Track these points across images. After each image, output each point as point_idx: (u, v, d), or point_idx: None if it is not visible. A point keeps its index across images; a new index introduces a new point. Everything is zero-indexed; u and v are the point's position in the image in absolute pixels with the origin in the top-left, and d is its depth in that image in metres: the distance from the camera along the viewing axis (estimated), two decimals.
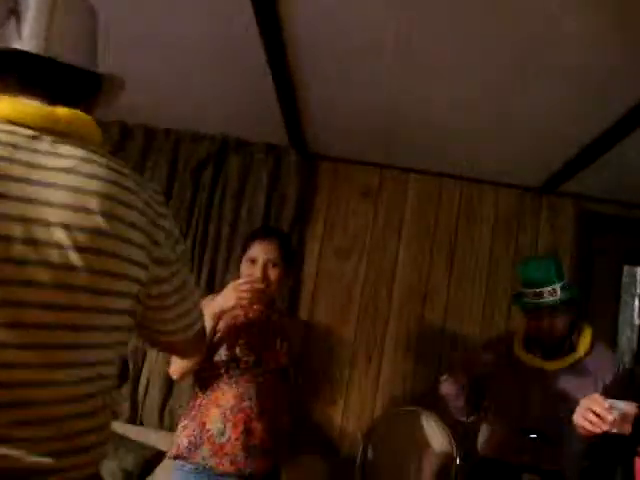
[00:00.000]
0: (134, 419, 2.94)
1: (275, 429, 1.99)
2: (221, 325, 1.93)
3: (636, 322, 3.15)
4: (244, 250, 2.05)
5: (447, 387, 2.30)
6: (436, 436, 2.77)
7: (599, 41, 1.79)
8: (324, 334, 3.04)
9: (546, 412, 2.10)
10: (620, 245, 3.21)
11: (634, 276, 3.25)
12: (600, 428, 1.32)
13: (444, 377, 2.32)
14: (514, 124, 2.47)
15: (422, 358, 3.01)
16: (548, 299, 2.13)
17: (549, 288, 2.14)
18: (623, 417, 1.31)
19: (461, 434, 2.66)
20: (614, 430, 1.31)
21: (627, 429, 1.31)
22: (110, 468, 2.69)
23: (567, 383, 2.13)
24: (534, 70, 2.02)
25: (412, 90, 2.29)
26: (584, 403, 1.38)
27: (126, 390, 2.93)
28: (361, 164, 3.16)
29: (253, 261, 1.98)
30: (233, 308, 1.86)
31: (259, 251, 1.99)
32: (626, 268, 3.23)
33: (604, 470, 1.44)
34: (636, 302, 3.19)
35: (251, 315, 2.02)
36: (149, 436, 2.84)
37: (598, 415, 1.33)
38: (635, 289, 3.25)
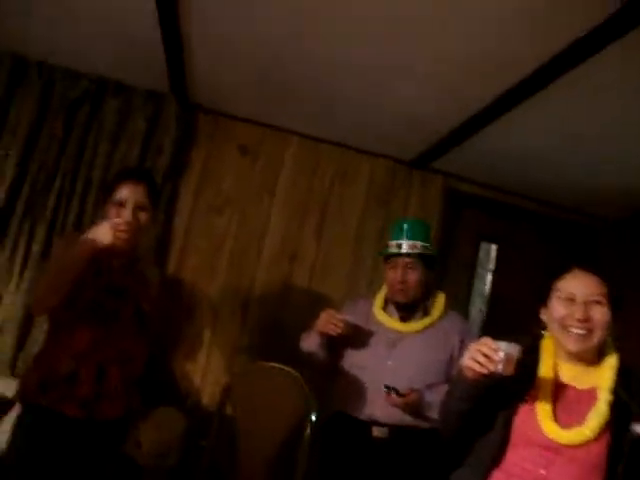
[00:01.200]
0: None
1: (129, 376, 2.01)
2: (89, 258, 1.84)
3: (486, 294, 3.46)
4: (110, 192, 1.99)
5: (307, 345, 2.46)
6: (292, 392, 2.88)
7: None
8: (190, 289, 3.08)
9: (400, 372, 2.30)
10: (480, 223, 3.50)
11: (488, 252, 3.55)
12: (488, 368, 1.43)
13: (304, 334, 2.46)
14: (393, 97, 2.60)
15: (287, 318, 3.14)
16: (407, 250, 2.38)
17: (411, 242, 2.37)
18: (508, 358, 1.43)
19: (317, 390, 2.79)
20: (499, 369, 1.42)
21: (510, 370, 1.44)
22: None
23: (422, 344, 2.36)
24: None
25: (301, 45, 2.32)
26: (473, 346, 1.48)
27: None
28: (242, 120, 3.21)
29: (121, 204, 1.95)
30: (106, 246, 1.78)
31: (128, 194, 1.95)
32: (483, 244, 3.53)
33: (486, 416, 1.58)
34: (489, 276, 3.50)
35: (115, 258, 1.98)
36: None
37: (486, 356, 1.44)
38: (488, 264, 3.55)
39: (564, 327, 1.55)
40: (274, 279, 3.18)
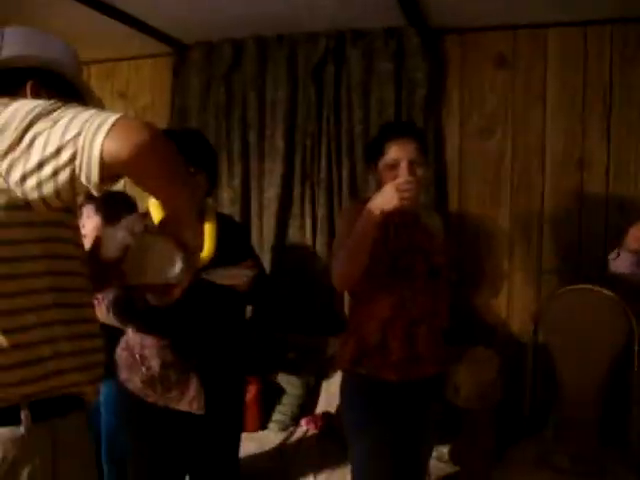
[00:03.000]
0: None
1: (437, 331, 2.06)
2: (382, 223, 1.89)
3: None
4: (379, 154, 1.98)
5: (619, 265, 2.22)
6: (612, 314, 2.69)
7: None
8: (477, 222, 3.04)
9: None
10: None
11: None
12: None
13: (613, 255, 2.24)
14: None
15: (586, 232, 2.93)
16: None
17: None
18: None
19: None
20: None
21: None
22: (290, 376, 2.98)
23: None
24: None
25: None
26: None
27: None
28: (490, 30, 3.01)
29: (394, 166, 1.93)
30: (394, 209, 1.79)
31: (399, 153, 1.92)
32: None
33: None
34: None
35: (400, 218, 2.00)
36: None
37: None
38: None
39: None
40: (564, 193, 2.96)
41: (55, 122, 0.97)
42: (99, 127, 0.95)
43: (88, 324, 1.22)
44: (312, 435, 2.84)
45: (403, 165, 1.91)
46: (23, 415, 1.05)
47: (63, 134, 0.96)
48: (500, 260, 3.03)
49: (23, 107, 1.00)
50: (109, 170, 0.97)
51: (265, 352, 3.01)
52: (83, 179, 0.97)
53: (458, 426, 2.73)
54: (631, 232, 2.11)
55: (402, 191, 1.76)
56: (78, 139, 0.95)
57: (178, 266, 1.14)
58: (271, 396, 2.94)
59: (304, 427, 2.90)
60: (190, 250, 1.16)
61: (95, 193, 1.01)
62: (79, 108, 1.01)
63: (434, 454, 2.60)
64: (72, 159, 0.96)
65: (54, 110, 0.99)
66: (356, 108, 3.08)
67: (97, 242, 1.46)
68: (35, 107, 0.99)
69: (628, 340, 2.63)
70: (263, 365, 2.97)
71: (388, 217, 1.86)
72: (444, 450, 2.68)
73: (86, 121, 0.96)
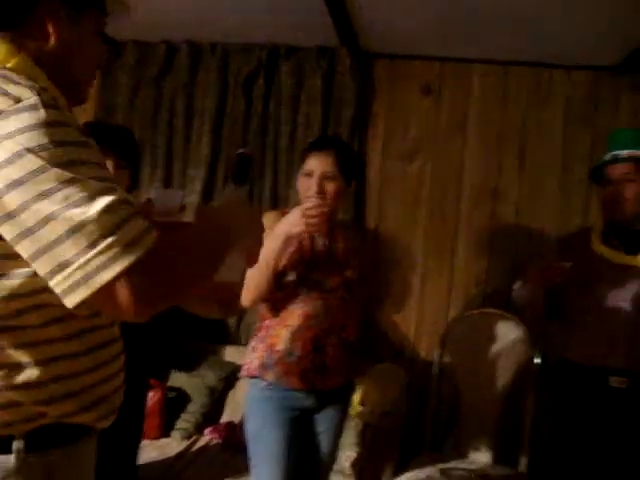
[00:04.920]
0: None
1: (345, 344, 2.13)
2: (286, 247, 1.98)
3: None
4: (301, 162, 2.09)
5: (523, 298, 2.38)
6: (513, 337, 2.86)
7: None
8: (393, 241, 3.17)
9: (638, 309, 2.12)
10: None
11: None
12: None
13: (517, 285, 2.38)
14: None
15: (495, 258, 3.13)
16: (624, 156, 2.17)
17: (630, 151, 2.16)
18: None
19: (539, 334, 2.73)
20: None
21: None
22: (196, 384, 2.97)
23: None
24: None
25: None
26: None
27: None
28: (420, 59, 3.20)
29: (309, 174, 1.99)
30: (299, 234, 1.90)
31: (315, 164, 1.99)
32: None
33: None
34: None
35: (317, 233, 2.06)
36: (227, 352, 3.15)
37: None
38: None
39: None
40: (478, 220, 3.16)
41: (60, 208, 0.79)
42: (110, 265, 0.79)
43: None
44: (215, 445, 2.84)
45: (314, 177, 1.99)
46: (15, 445, 0.94)
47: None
48: (412, 281, 3.17)
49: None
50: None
51: (162, 356, 2.99)
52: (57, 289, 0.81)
53: (362, 440, 2.80)
54: (531, 272, 2.26)
55: (309, 216, 1.83)
56: (67, 267, 0.79)
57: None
58: (176, 403, 2.93)
59: (207, 436, 2.90)
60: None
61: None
62: (88, 187, 0.81)
63: (335, 467, 2.65)
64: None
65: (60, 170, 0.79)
66: (283, 122, 3.17)
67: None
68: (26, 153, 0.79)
69: (527, 363, 2.80)
70: (160, 369, 2.96)
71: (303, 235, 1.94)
72: (346, 464, 2.73)
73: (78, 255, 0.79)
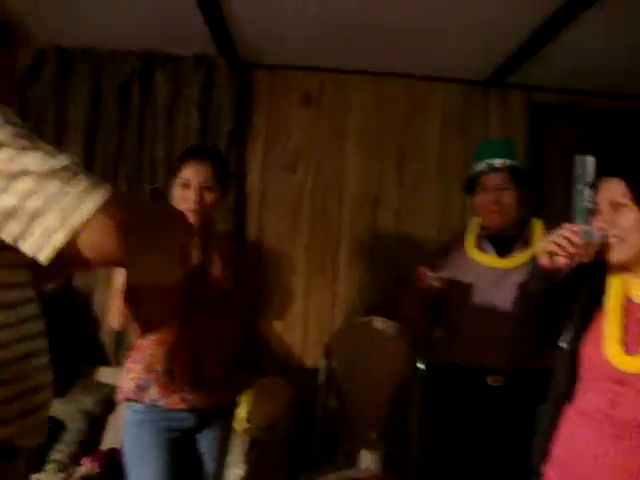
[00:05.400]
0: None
1: (226, 360, 2.08)
2: None
3: (587, 207, 3.32)
4: (175, 172, 2.00)
5: (405, 309, 2.45)
6: (396, 344, 2.91)
7: None
8: (275, 251, 3.15)
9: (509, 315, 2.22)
10: (570, 135, 3.34)
11: (585, 165, 3.40)
12: (567, 250, 1.44)
13: (400, 294, 2.45)
14: (455, 13, 2.51)
15: (377, 266, 3.18)
16: (499, 166, 2.28)
17: (502, 159, 2.26)
18: (589, 242, 1.45)
19: (421, 342, 2.80)
20: (579, 251, 1.44)
21: (590, 254, 1.46)
22: (69, 410, 2.78)
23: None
24: None
25: None
26: (555, 231, 1.49)
27: None
28: (299, 69, 3.22)
29: (186, 185, 1.95)
30: None
31: (192, 174, 1.96)
32: (577, 158, 3.38)
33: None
34: (586, 190, 3.35)
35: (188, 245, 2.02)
36: (102, 373, 2.98)
37: (568, 239, 1.44)
38: (586, 178, 3.40)
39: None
40: (360, 229, 3.21)
41: (9, 179, 0.84)
42: (75, 210, 0.83)
43: None
44: (94, 474, 2.68)
45: (192, 187, 1.95)
46: None
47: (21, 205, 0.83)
48: (296, 291, 3.17)
49: None
50: (71, 253, 0.84)
51: None
52: (27, 247, 0.84)
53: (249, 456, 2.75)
54: (412, 282, 2.32)
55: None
56: (36, 221, 0.83)
57: None
58: (48, 433, 2.73)
59: (85, 466, 2.73)
60: None
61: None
62: (39, 157, 0.86)
63: None
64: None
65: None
66: (161, 133, 3.07)
67: None
68: None
69: (412, 369, 2.86)
70: None
71: None
72: None
73: (55, 195, 0.83)
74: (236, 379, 2.19)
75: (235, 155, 3.11)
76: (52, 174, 0.84)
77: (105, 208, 0.84)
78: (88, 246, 0.84)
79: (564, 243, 1.44)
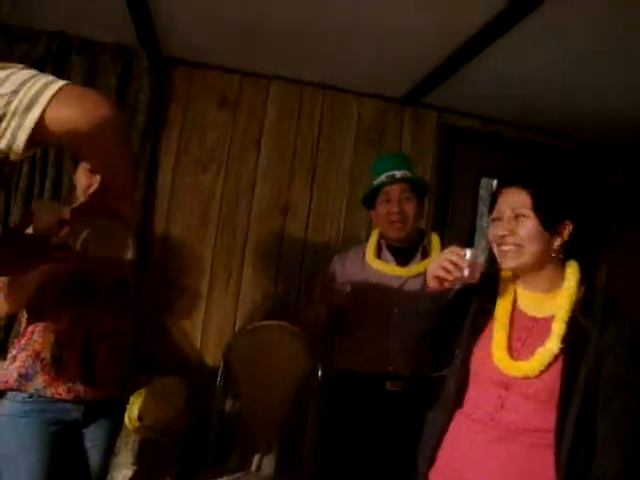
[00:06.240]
0: None
1: (118, 353, 2.06)
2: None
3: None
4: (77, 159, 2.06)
5: (308, 317, 2.56)
6: (297, 349, 2.95)
7: None
8: (182, 248, 3.13)
9: (407, 320, 2.27)
10: (479, 158, 3.51)
11: (490, 188, 3.57)
12: (454, 275, 1.51)
13: (304, 308, 2.51)
14: (376, 29, 2.59)
15: (283, 272, 3.23)
16: (401, 177, 2.40)
17: (402, 171, 2.36)
18: (473, 264, 1.52)
19: (322, 348, 2.85)
20: (465, 275, 1.51)
21: (475, 277, 1.53)
22: None
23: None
24: None
25: None
26: (441, 255, 1.57)
27: None
28: (219, 70, 3.23)
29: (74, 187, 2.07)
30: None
31: (80, 174, 2.02)
32: (484, 180, 3.55)
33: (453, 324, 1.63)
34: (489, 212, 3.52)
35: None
36: None
37: (454, 263, 1.51)
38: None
39: (497, 246, 1.59)
40: (267, 233, 3.25)
41: None
42: (45, 87, 0.88)
43: None
44: None
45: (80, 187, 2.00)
46: None
47: None
48: (199, 292, 3.17)
49: None
50: (42, 135, 0.89)
51: None
52: (3, 142, 0.88)
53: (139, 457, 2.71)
54: (315, 292, 2.38)
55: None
56: (14, 97, 0.88)
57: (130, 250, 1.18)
58: None
59: None
60: (132, 227, 1.14)
61: (13, 158, 0.91)
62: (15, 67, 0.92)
63: None
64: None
65: None
66: None
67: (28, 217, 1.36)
68: None
69: (311, 374, 2.91)
70: None
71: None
72: None
73: (26, 80, 0.89)
74: (129, 374, 2.17)
75: (149, 149, 3.08)
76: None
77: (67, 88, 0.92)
78: (55, 120, 0.91)
79: (450, 267, 1.52)
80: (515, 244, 1.54)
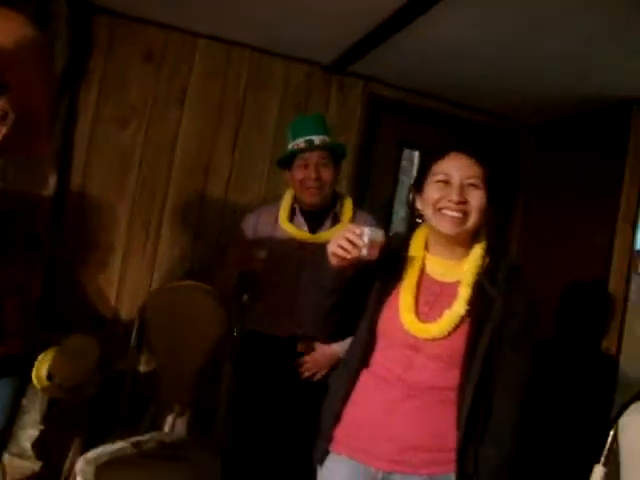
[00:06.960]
0: None
1: (27, 307, 1.99)
2: None
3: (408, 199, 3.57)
4: None
5: (222, 281, 2.59)
6: (212, 311, 2.95)
7: None
8: (98, 208, 3.09)
9: (316, 284, 2.34)
10: (401, 129, 3.58)
11: (412, 159, 3.66)
12: (351, 253, 1.52)
13: (218, 271, 2.60)
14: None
15: (202, 233, 3.23)
16: (320, 144, 2.41)
17: (321, 137, 2.37)
18: (372, 243, 1.53)
19: (237, 310, 2.86)
20: (364, 253, 1.52)
21: (375, 254, 1.54)
22: None
23: None
24: None
25: None
26: (339, 233, 1.57)
27: None
28: (144, 23, 3.14)
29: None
30: None
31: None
32: (406, 151, 3.63)
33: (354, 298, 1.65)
34: (409, 182, 3.61)
35: None
36: None
37: (351, 242, 1.52)
38: (412, 171, 3.66)
39: (439, 210, 1.60)
40: (187, 193, 3.23)
41: None
42: None
43: None
44: None
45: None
46: None
47: None
48: (116, 250, 3.13)
49: None
50: None
51: None
52: None
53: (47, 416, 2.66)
54: (229, 256, 2.42)
55: None
56: None
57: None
58: None
59: None
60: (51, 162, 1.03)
61: None
62: None
63: (14, 449, 2.48)
64: None
65: None
66: None
67: None
68: None
69: (225, 334, 2.92)
70: None
71: None
72: (27, 444, 2.56)
73: None
74: (37, 331, 2.11)
75: (66, 100, 2.98)
76: None
77: None
78: None
79: (347, 246, 1.53)
80: (464, 211, 1.56)
